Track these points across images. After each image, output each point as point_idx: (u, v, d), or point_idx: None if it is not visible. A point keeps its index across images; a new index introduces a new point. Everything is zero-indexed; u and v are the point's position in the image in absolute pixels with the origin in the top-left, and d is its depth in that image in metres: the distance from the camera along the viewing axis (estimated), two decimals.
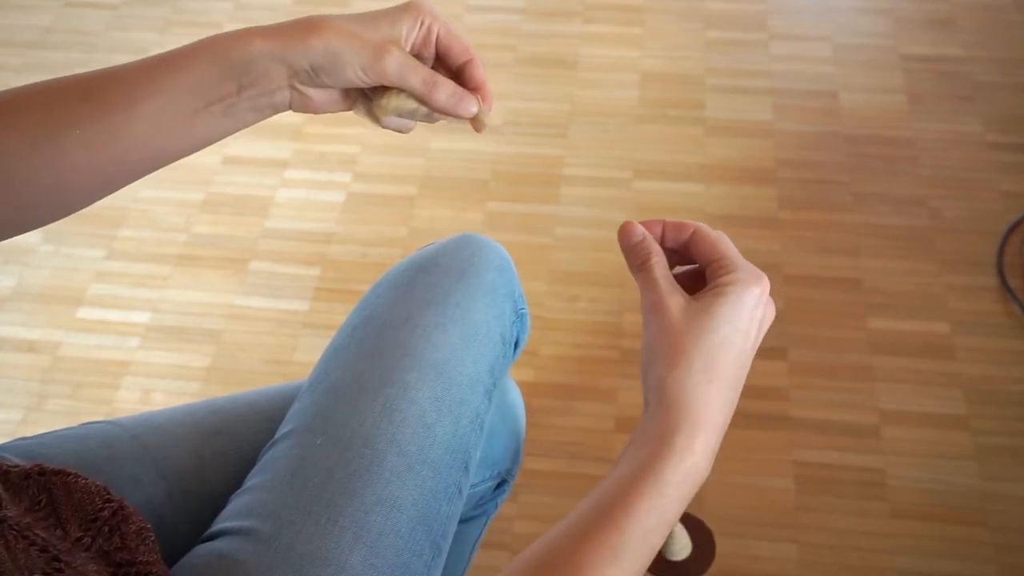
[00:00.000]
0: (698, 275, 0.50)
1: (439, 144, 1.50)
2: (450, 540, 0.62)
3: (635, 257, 0.49)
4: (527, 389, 1.20)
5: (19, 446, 0.63)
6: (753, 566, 1.06)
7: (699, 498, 1.10)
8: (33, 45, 1.73)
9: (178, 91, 0.51)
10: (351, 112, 0.57)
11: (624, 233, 0.50)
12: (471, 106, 0.54)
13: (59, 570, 0.45)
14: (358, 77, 0.52)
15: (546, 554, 0.43)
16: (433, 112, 0.55)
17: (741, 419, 1.14)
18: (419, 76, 0.53)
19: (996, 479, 1.11)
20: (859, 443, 1.14)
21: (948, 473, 1.12)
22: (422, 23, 0.54)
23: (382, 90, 0.54)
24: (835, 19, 1.65)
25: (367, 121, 0.57)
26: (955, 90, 1.52)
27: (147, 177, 0.54)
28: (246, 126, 0.54)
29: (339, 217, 1.42)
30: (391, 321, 0.65)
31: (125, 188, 0.54)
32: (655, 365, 0.46)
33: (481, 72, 0.55)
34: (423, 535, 0.59)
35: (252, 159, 1.51)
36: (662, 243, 0.50)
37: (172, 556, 0.60)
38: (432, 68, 0.55)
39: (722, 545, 1.07)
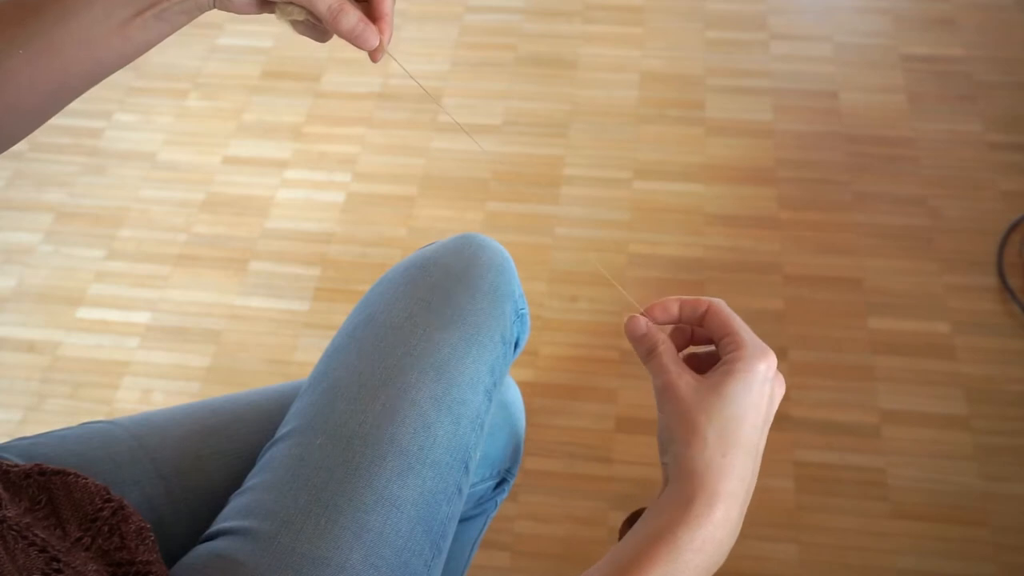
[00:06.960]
0: (711, 356, 0.52)
1: (439, 144, 1.50)
2: (450, 540, 0.62)
3: (642, 348, 0.51)
4: (527, 389, 1.20)
5: (19, 446, 0.63)
6: (753, 566, 1.06)
7: None
8: None
9: (110, 1, 0.52)
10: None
11: (629, 328, 0.52)
12: (372, 39, 0.55)
13: (58, 571, 0.45)
14: None
15: None
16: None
17: None
18: (326, 1, 0.53)
19: (996, 479, 1.11)
20: (859, 443, 1.14)
21: (948, 473, 1.12)
22: None
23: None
24: (835, 19, 1.65)
25: (286, 26, 0.57)
26: (955, 90, 1.52)
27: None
28: (177, 29, 0.55)
29: (339, 217, 1.42)
30: (391, 321, 0.65)
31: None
32: (673, 443, 0.47)
33: (388, 3, 0.56)
34: (423, 535, 0.59)
35: (252, 159, 1.51)
36: (678, 319, 0.52)
37: (172, 556, 0.60)
38: None
39: None
